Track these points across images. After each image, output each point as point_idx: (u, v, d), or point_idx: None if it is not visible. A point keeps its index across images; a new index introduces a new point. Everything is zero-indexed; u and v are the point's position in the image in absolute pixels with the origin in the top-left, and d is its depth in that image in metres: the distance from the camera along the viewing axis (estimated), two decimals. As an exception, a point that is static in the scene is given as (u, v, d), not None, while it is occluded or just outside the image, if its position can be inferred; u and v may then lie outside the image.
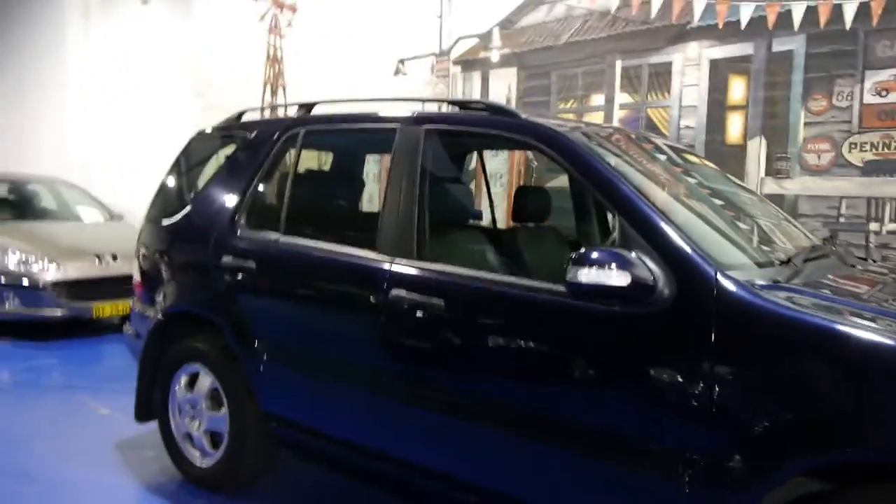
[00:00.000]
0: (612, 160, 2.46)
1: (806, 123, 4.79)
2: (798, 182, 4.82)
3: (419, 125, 2.82)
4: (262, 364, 3.09)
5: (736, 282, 2.05)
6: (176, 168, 3.82)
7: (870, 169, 4.58)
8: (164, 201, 3.77)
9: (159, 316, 3.46)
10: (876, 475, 1.84)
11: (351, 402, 2.84)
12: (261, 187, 3.33)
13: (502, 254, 3.24)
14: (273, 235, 3.17)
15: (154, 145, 8.38)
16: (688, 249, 2.12)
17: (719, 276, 2.06)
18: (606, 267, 2.07)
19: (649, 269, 2.10)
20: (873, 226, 4.57)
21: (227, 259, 3.23)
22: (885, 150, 4.42)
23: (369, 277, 2.75)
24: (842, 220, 4.63)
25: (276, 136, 3.29)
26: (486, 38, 6.23)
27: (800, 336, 1.91)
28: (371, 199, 5.28)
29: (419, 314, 2.57)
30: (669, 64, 5.33)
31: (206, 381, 3.30)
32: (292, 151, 3.22)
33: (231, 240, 3.27)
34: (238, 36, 7.87)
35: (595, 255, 2.10)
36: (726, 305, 2.02)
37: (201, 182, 3.64)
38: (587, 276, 2.08)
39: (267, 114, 3.75)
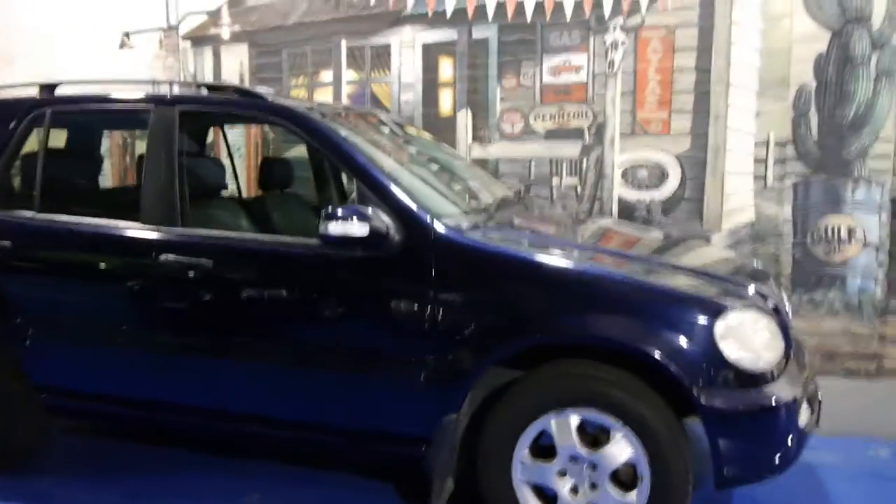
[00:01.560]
0: (347, 134, 3.01)
1: (501, 98, 5.70)
2: (498, 147, 5.74)
3: (174, 106, 3.13)
4: (28, 339, 3.21)
5: (447, 226, 2.72)
6: None
7: (549, 135, 5.61)
8: None
9: None
10: (543, 358, 2.62)
11: (125, 361, 3.11)
12: (7, 167, 3.38)
13: (255, 219, 3.66)
14: (27, 213, 3.27)
15: None
16: (410, 204, 2.75)
17: (434, 223, 2.71)
18: (350, 220, 2.62)
19: (383, 221, 2.68)
20: (555, 180, 5.63)
21: (-24, 239, 3.27)
22: (560, 120, 5.48)
23: (137, 245, 3.03)
24: (532, 177, 5.64)
25: (20, 116, 3.36)
26: (215, 15, 6.44)
27: (491, 261, 2.63)
28: (107, 174, 5.31)
29: (189, 274, 2.93)
30: (388, 46, 5.97)
31: None
32: (40, 131, 3.33)
33: (-20, 220, 3.30)
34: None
35: (340, 211, 2.64)
36: (441, 245, 2.68)
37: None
38: (336, 228, 2.61)
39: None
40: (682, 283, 2.61)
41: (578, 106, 5.44)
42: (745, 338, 2.44)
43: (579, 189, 5.50)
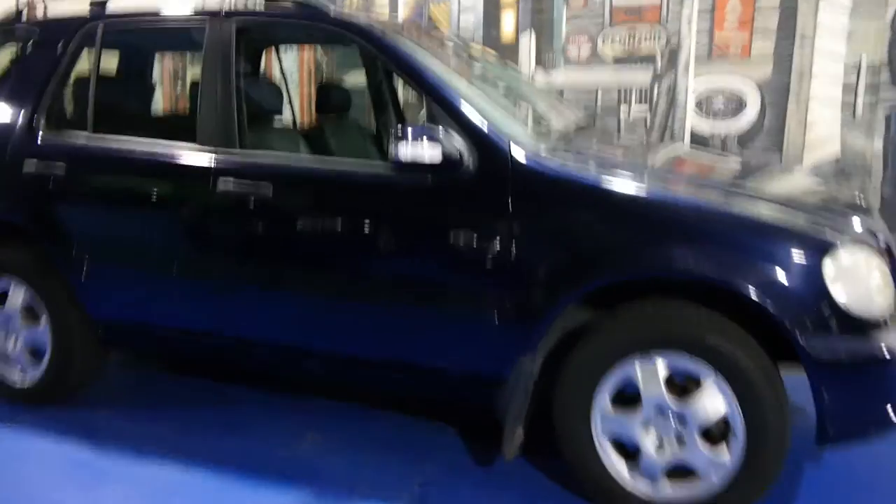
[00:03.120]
0: (415, 51, 2.78)
1: (567, 20, 5.36)
2: (563, 73, 5.43)
3: (229, 19, 2.93)
4: (85, 270, 3.11)
5: (525, 152, 2.50)
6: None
7: (618, 60, 5.28)
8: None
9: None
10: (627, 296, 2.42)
11: (184, 292, 3.00)
12: (59, 88, 3.24)
13: (313, 145, 3.48)
14: (81, 135, 3.14)
15: None
16: (486, 126, 2.53)
17: (512, 148, 2.49)
18: (421, 141, 2.42)
19: (455, 145, 2.47)
20: (623, 109, 5.32)
21: (30, 162, 3.16)
22: (630, 44, 5.13)
23: (194, 169, 2.88)
24: (599, 106, 5.33)
25: (71, 34, 3.19)
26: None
27: (571, 190, 2.41)
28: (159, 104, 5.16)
29: (249, 200, 2.77)
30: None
31: (19, 294, 3.22)
32: (92, 49, 3.16)
33: (32, 143, 3.18)
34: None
35: (411, 131, 2.43)
36: (518, 172, 2.46)
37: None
38: (406, 151, 2.42)
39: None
40: (778, 214, 2.37)
41: (651, 27, 5.09)
42: (857, 279, 2.20)
43: (649, 119, 5.21)
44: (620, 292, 2.44)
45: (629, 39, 5.10)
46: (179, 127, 3.08)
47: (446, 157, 2.44)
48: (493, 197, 2.48)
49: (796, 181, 3.35)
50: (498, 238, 2.46)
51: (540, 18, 5.35)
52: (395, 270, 2.64)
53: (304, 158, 2.95)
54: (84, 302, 3.14)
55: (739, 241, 2.29)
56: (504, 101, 3.01)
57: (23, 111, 3.19)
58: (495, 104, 2.85)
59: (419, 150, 2.41)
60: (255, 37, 3.06)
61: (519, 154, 2.48)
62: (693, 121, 5.03)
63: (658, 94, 5.15)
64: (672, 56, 5.02)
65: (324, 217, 2.68)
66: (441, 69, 2.75)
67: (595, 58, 5.29)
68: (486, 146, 2.50)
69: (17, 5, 3.46)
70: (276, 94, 3.30)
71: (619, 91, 5.26)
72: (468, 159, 2.48)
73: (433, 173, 2.49)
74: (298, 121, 4.52)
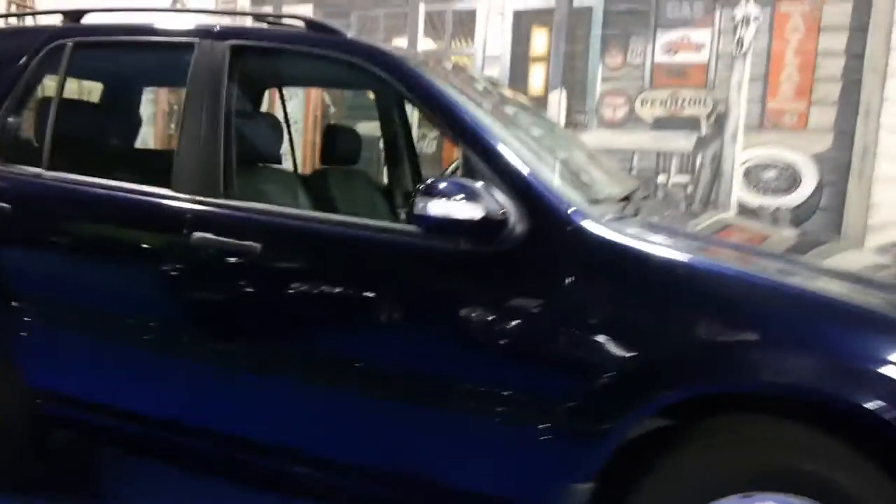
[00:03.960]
0: (451, 89, 2.24)
1: (603, 79, 4.90)
2: (596, 135, 4.93)
3: (223, 40, 2.40)
4: (25, 327, 2.52)
5: (588, 217, 1.93)
6: None
7: (658, 124, 4.78)
8: None
9: None
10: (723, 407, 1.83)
11: (143, 366, 2.40)
12: (12, 114, 2.70)
13: (315, 197, 2.94)
14: (32, 172, 2.58)
15: None
16: (539, 182, 1.97)
17: (573, 212, 1.93)
18: (455, 198, 1.86)
19: (499, 203, 1.91)
20: (661, 178, 4.79)
21: (-32, 200, 2.59)
22: (672, 107, 4.64)
23: (165, 217, 2.33)
24: (634, 172, 4.80)
25: (34, 50, 2.67)
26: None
27: (658, 269, 1.84)
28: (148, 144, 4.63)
29: (229, 260, 2.19)
30: (474, 11, 5.21)
31: None
32: (56, 68, 2.63)
33: (-25, 177, 2.63)
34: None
35: (444, 185, 1.88)
36: (582, 242, 1.89)
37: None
38: (437, 207, 1.85)
39: (10, 22, 3.07)
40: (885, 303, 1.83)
41: (696, 91, 4.62)
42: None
43: (690, 188, 4.67)
44: (703, 406, 1.84)
45: (671, 103, 4.62)
46: (154, 168, 2.53)
47: (488, 219, 1.87)
48: (546, 272, 1.91)
49: (860, 258, 2.78)
50: (548, 326, 1.88)
51: (572, 75, 4.88)
52: (409, 359, 2.04)
53: (302, 214, 2.38)
54: (23, 369, 2.57)
55: (856, 339, 1.73)
56: (552, 155, 2.46)
57: (-34, 140, 2.64)
58: (544, 158, 2.30)
59: (454, 208, 1.85)
60: (253, 65, 2.54)
61: (583, 220, 1.92)
62: (740, 193, 4.50)
63: (701, 162, 4.63)
64: (718, 122, 4.53)
65: (323, 287, 2.11)
66: (482, 113, 2.22)
67: (632, 120, 4.79)
68: (540, 207, 1.93)
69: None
70: (274, 134, 2.76)
71: (658, 157, 4.74)
72: (514, 223, 1.92)
73: (469, 238, 1.92)
74: (300, 171, 3.99)
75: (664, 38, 4.68)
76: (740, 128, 4.51)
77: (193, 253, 2.24)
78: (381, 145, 3.72)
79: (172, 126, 5.52)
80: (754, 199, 4.57)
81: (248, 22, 2.65)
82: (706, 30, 4.62)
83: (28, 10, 2.88)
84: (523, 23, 5.03)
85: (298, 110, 5.46)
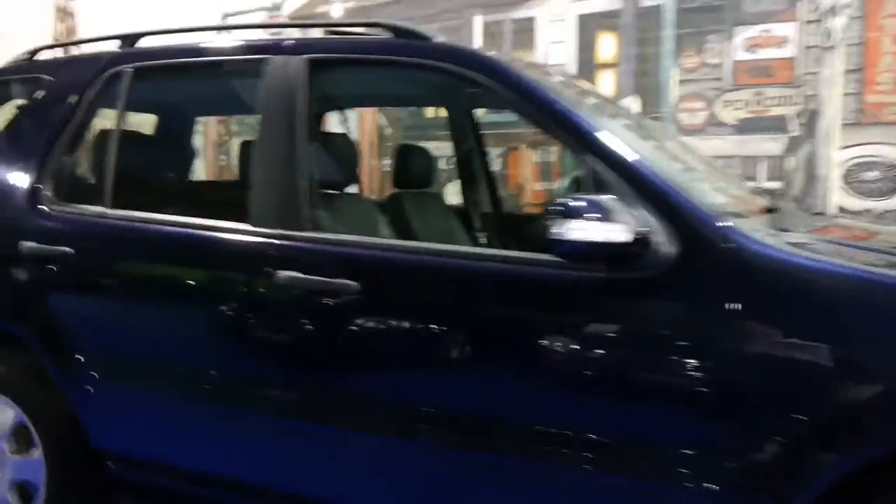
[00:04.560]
0: (560, 91, 1.96)
1: (679, 82, 4.59)
2: (675, 142, 4.60)
3: (300, 55, 2.15)
4: (92, 385, 2.28)
5: (747, 233, 1.63)
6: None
7: (742, 127, 4.45)
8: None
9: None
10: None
11: (226, 425, 2.13)
12: (71, 149, 2.47)
13: (393, 224, 2.68)
14: (96, 209, 2.35)
15: None
16: (685, 197, 1.67)
17: (726, 228, 1.62)
18: (596, 219, 1.57)
19: (645, 222, 1.62)
20: (749, 185, 4.45)
21: (28, 245, 2.37)
22: (757, 108, 4.31)
23: (245, 256, 2.07)
24: (719, 180, 4.46)
25: (92, 77, 2.45)
26: (326, -11, 5.46)
27: (858, 296, 1.52)
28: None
29: (322, 302, 1.92)
30: (533, 19, 4.93)
31: (6, 415, 2.41)
32: (117, 96, 2.40)
33: (32, 219, 2.41)
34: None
35: (581, 204, 1.59)
36: (745, 263, 1.59)
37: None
38: (579, 231, 1.56)
39: (72, 51, 2.88)
40: None
41: (782, 89, 4.28)
42: None
43: (782, 195, 4.31)
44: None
45: (755, 103, 4.29)
46: (226, 202, 2.28)
47: (639, 236, 1.58)
48: (702, 299, 1.60)
49: None
50: (703, 364, 1.58)
51: (644, 80, 4.56)
52: (535, 410, 1.74)
53: (407, 246, 2.10)
54: (89, 428, 2.32)
55: None
56: (682, 165, 2.16)
57: (22, 180, 2.43)
58: (678, 169, 2.00)
59: (598, 231, 1.56)
60: (335, 81, 2.29)
61: (742, 237, 1.61)
62: (839, 197, 4.13)
63: (793, 166, 4.28)
64: (810, 121, 4.18)
65: (441, 328, 1.81)
66: (605, 120, 1.93)
67: (713, 124, 4.46)
68: (690, 226, 1.64)
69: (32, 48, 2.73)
70: (352, 157, 2.50)
71: (744, 162, 4.40)
72: (659, 245, 1.62)
73: (611, 263, 1.62)
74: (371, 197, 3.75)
75: (743, 33, 4.36)
76: (835, 126, 4.15)
77: (279, 295, 1.97)
78: (450, 164, 3.46)
79: (223, 158, 5.31)
80: (856, 203, 4.19)
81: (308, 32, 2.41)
82: (789, 23, 4.28)
83: (77, 39, 2.68)
84: (588, 27, 4.73)
85: (353, 133, 5.23)
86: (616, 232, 1.57)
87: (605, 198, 1.62)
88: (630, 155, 1.72)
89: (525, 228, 3.43)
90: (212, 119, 5.35)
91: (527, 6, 4.73)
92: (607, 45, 4.56)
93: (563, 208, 1.59)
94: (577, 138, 1.78)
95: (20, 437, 2.41)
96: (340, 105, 3.07)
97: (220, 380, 2.11)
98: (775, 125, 4.27)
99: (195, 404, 2.18)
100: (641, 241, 1.59)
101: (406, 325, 1.85)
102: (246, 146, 2.89)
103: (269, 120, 2.16)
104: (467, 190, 3.40)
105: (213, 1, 5.71)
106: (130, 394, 2.29)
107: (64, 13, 5.95)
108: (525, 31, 4.76)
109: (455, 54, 2.00)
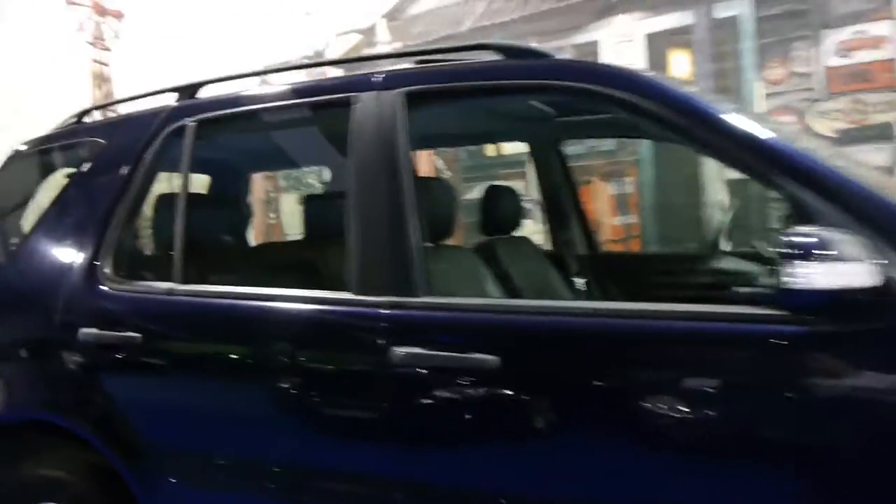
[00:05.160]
0: (726, 109, 1.61)
1: (766, 95, 4.21)
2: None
3: (393, 88, 1.83)
4: (167, 489, 1.94)
5: None
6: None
7: (841, 138, 4.05)
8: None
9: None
10: None
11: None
12: (131, 218, 2.17)
13: (496, 277, 2.34)
14: (163, 286, 2.03)
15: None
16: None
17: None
18: (837, 258, 1.21)
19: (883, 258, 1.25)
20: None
21: (88, 332, 2.05)
22: (856, 116, 3.92)
23: (350, 331, 1.73)
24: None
25: (151, 135, 2.15)
26: (370, 33, 5.22)
27: None
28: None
29: (455, 382, 1.56)
30: (595, 43, 4.60)
31: None
32: (180, 155, 2.09)
33: (92, 300, 2.09)
34: (49, 51, 6.40)
35: (813, 240, 1.22)
36: None
37: (29, 221, 2.40)
38: (822, 276, 1.19)
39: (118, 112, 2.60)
40: None
41: (884, 94, 3.89)
42: None
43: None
44: None
45: (854, 110, 3.90)
46: (305, 267, 1.96)
47: (886, 285, 1.21)
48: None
49: None
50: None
51: (725, 96, 4.19)
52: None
53: (557, 306, 1.75)
54: None
55: None
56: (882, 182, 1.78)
57: (77, 256, 2.13)
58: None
59: (848, 273, 1.19)
60: (439, 114, 1.97)
61: None
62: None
63: (906, 178, 3.88)
64: (921, 127, 3.79)
65: (614, 412, 1.44)
66: (792, 139, 1.58)
67: (807, 136, 4.06)
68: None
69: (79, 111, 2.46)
70: (452, 204, 2.16)
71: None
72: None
73: (849, 314, 1.26)
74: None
75: (833, 37, 3.98)
76: (950, 129, 3.73)
77: (397, 375, 1.62)
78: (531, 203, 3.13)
79: (272, 216, 5.03)
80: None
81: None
82: (885, 21, 3.90)
83: (129, 97, 2.39)
84: (658, 46, 4.38)
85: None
86: (862, 275, 1.20)
87: (835, 232, 1.26)
88: (849, 180, 1.36)
89: (626, 270, 3.07)
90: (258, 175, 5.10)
91: (588, 29, 4.40)
92: (680, 63, 4.21)
93: (795, 248, 1.22)
94: (773, 163, 1.42)
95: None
96: (439, 144, 2.75)
97: (329, 482, 1.75)
98: (880, 133, 3.87)
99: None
100: (891, 284, 1.23)
101: (559, 403, 1.47)
102: (312, 201, 2.59)
103: (363, 167, 1.82)
104: (558, 230, 3.05)
105: (248, 52, 5.48)
106: (212, 498, 1.95)
107: (101, 79, 5.78)
108: (588, 55, 4.44)
109: (592, 72, 1.66)
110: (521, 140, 3.28)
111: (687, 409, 1.36)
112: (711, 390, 1.38)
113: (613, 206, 4.29)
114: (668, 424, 1.37)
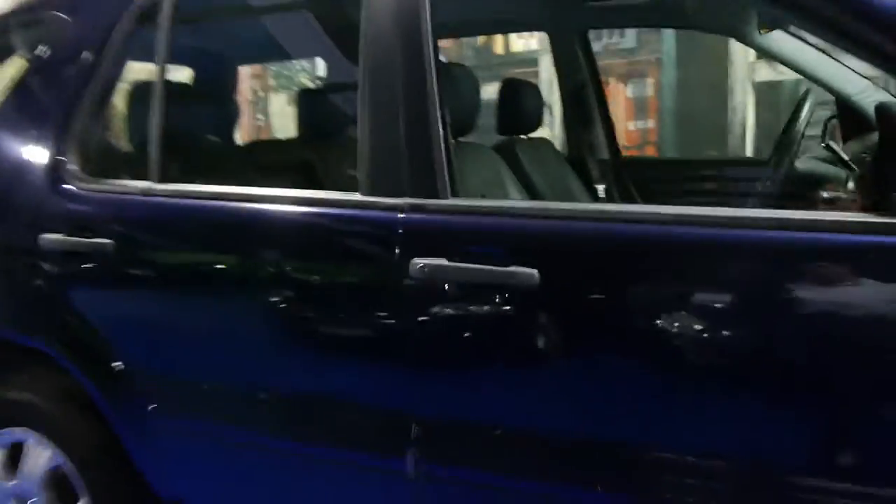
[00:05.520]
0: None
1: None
2: None
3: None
4: (148, 415, 1.76)
5: None
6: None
7: None
8: None
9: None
10: None
11: (338, 470, 1.58)
12: (99, 108, 1.91)
13: (520, 180, 2.32)
14: (139, 185, 1.78)
15: None
16: None
17: None
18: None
19: None
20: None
21: (52, 238, 1.84)
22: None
23: (360, 241, 1.49)
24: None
25: (118, 11, 1.86)
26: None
27: None
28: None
29: (484, 301, 1.33)
30: None
31: (39, 456, 1.91)
32: (158, 35, 1.80)
33: (56, 202, 1.85)
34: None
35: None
36: None
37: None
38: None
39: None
40: None
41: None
42: None
43: None
44: None
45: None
46: (302, 166, 1.70)
47: None
48: None
49: None
50: None
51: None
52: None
53: (612, 211, 1.48)
54: (146, 469, 1.83)
55: None
56: None
57: (38, 152, 1.87)
58: None
59: None
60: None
61: None
62: None
63: None
64: None
65: (689, 342, 1.21)
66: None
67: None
68: None
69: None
70: (476, 92, 1.92)
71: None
72: None
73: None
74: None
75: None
76: None
77: (415, 291, 1.38)
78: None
79: (260, 117, 4.73)
80: None
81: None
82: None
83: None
84: None
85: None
86: None
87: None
88: None
89: (649, 177, 2.89)
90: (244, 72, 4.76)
91: None
92: None
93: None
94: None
95: (60, 487, 1.89)
96: (461, 31, 2.50)
97: (332, 413, 1.54)
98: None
99: (291, 440, 1.63)
100: None
101: (615, 325, 1.21)
102: (307, 96, 2.34)
103: (378, 51, 1.54)
104: (578, 131, 2.84)
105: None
106: (200, 423, 1.74)
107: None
108: None
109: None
110: (544, 28, 3.03)
111: (789, 336, 1.12)
112: (824, 309, 1.14)
113: (630, 110, 4.01)
114: (762, 353, 1.13)
